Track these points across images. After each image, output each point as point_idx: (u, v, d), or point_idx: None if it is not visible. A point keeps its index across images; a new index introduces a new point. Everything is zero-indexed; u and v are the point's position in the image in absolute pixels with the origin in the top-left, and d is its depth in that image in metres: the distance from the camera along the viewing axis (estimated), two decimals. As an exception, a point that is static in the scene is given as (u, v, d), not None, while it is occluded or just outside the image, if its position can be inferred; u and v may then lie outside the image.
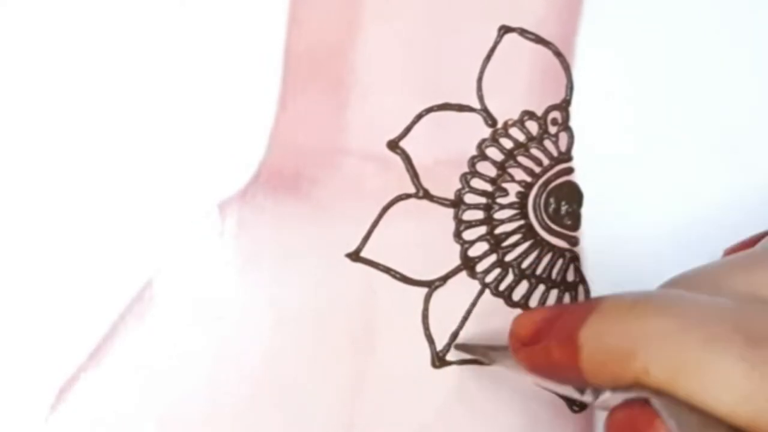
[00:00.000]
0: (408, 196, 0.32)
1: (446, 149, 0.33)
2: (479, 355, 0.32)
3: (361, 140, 0.32)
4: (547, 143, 0.33)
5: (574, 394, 0.27)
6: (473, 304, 0.32)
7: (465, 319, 0.32)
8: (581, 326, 0.25)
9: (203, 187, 0.31)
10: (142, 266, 0.30)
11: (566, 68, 0.34)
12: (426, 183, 0.32)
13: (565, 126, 0.34)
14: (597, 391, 0.26)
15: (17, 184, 0.30)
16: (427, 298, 0.32)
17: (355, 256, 0.32)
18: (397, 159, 0.32)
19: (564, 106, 0.34)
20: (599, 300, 0.26)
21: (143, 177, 0.30)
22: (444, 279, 0.32)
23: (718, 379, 0.23)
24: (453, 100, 0.33)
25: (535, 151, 0.33)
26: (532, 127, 0.33)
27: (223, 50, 0.31)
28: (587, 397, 0.27)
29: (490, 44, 0.33)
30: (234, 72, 0.31)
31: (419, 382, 0.32)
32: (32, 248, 0.29)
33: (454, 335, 0.32)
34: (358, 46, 0.32)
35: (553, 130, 0.34)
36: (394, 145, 0.32)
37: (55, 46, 0.30)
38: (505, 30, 0.33)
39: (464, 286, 0.32)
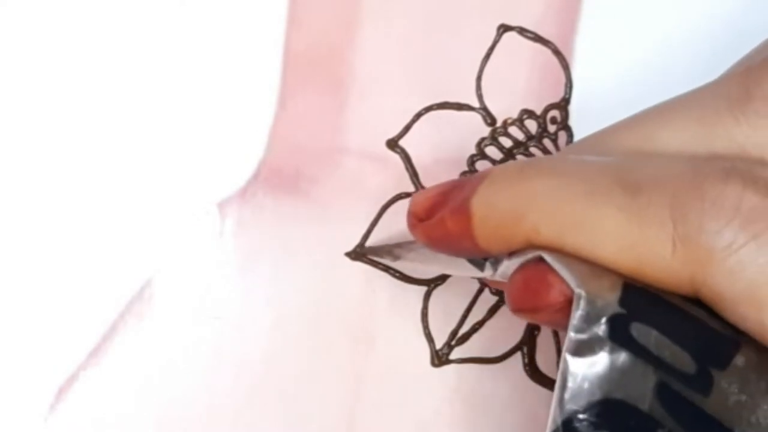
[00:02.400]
0: (407, 194, 0.32)
1: (445, 148, 0.33)
2: (385, 254, 0.31)
3: (361, 139, 0.32)
4: (547, 142, 0.33)
5: (476, 273, 0.27)
6: (472, 303, 0.32)
7: (464, 317, 0.32)
8: (473, 195, 0.26)
9: (203, 186, 0.31)
10: (141, 266, 0.30)
11: (565, 67, 0.34)
12: (425, 182, 0.33)
13: (564, 125, 0.34)
14: (495, 263, 0.26)
15: (17, 184, 0.30)
16: (427, 297, 0.32)
17: (354, 254, 0.32)
18: (396, 158, 0.32)
19: (563, 105, 0.34)
20: (489, 169, 0.26)
21: (143, 176, 0.31)
22: (443, 278, 0.32)
23: (600, 231, 0.23)
24: (452, 99, 0.33)
25: (534, 150, 0.33)
26: (532, 125, 0.33)
27: (223, 50, 0.31)
28: (487, 272, 0.27)
29: (490, 43, 0.33)
30: (233, 71, 0.31)
31: (419, 380, 0.32)
32: (32, 248, 0.30)
33: (454, 334, 0.32)
34: (358, 45, 0.32)
35: (552, 128, 0.34)
36: (393, 144, 0.32)
37: (55, 46, 0.30)
38: (504, 29, 0.33)
39: (463, 285, 0.32)
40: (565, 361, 0.23)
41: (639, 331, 0.23)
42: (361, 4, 0.32)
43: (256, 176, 0.31)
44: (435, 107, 0.33)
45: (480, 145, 0.33)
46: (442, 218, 0.27)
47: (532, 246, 0.25)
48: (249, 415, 0.31)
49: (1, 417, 0.29)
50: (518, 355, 0.32)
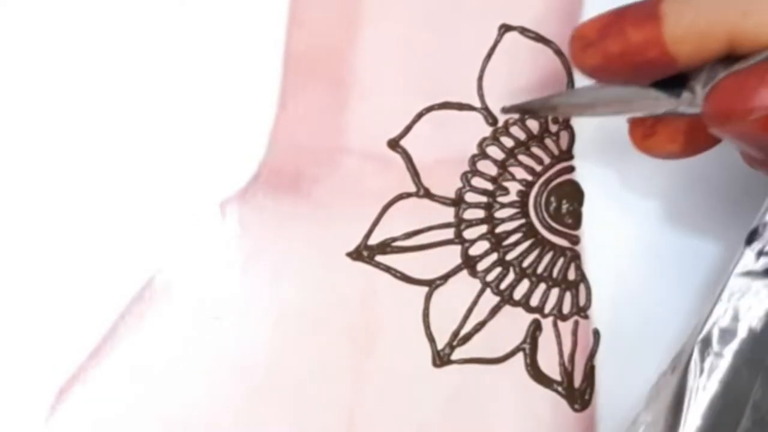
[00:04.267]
0: (409, 195, 0.32)
1: (447, 148, 0.33)
2: (537, 107, 0.30)
3: (362, 139, 0.32)
4: (548, 142, 0.33)
5: (664, 104, 0.26)
6: (474, 303, 0.32)
7: (466, 317, 0.32)
8: (663, 1, 0.25)
9: (204, 186, 0.31)
10: (142, 266, 0.30)
11: (567, 67, 0.34)
12: (426, 182, 0.32)
13: (566, 124, 0.34)
14: (693, 86, 0.25)
15: (18, 185, 0.30)
16: (428, 297, 0.32)
17: (355, 255, 0.32)
18: (397, 158, 0.32)
19: (565, 104, 0.34)
20: None
21: (144, 177, 0.31)
22: (445, 278, 0.32)
23: None
24: (453, 99, 0.33)
25: (536, 150, 0.33)
26: (533, 125, 0.33)
27: (224, 50, 0.31)
28: (685, 99, 0.25)
29: (491, 43, 0.33)
30: (234, 72, 0.31)
31: (420, 380, 0.32)
32: (33, 249, 0.29)
33: (455, 334, 0.32)
34: (358, 46, 0.32)
35: (554, 128, 0.34)
36: (394, 144, 0.32)
37: (55, 46, 0.30)
38: (505, 29, 0.33)
39: (465, 285, 0.32)
40: None
41: None
42: (361, 5, 0.32)
43: (256, 177, 0.31)
44: (436, 107, 0.33)
45: (481, 144, 0.33)
46: (621, 30, 0.25)
47: (734, 42, 0.23)
48: (250, 415, 0.30)
49: (2, 417, 0.29)
50: (520, 356, 0.32)
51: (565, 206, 0.33)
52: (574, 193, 0.33)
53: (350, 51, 0.32)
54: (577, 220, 0.33)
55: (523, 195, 0.33)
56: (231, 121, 0.31)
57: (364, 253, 0.32)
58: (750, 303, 0.23)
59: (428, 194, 0.32)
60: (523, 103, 0.31)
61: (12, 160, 0.30)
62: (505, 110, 0.31)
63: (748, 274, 0.23)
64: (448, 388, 0.32)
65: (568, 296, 0.33)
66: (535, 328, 0.33)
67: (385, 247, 0.32)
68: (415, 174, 0.32)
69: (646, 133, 0.28)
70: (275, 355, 0.31)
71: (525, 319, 0.33)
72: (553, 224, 0.33)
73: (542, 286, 0.33)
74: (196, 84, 0.31)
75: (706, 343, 0.22)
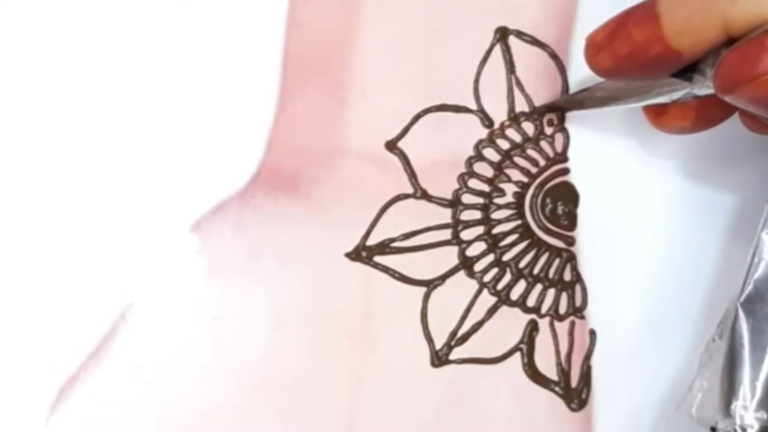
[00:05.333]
0: (406, 196, 0.33)
1: (444, 150, 0.33)
2: (564, 104, 0.32)
3: (360, 141, 0.32)
4: (544, 144, 0.34)
5: (682, 89, 0.28)
6: (471, 304, 0.33)
7: (463, 318, 0.32)
8: (657, 1, 0.27)
9: (203, 187, 0.31)
10: (142, 266, 0.30)
11: (562, 70, 0.34)
12: (424, 183, 0.33)
13: (560, 127, 0.34)
14: (703, 69, 0.27)
15: (17, 181, 0.30)
16: (426, 298, 0.32)
17: (354, 255, 0.32)
18: (395, 159, 0.32)
19: (560, 107, 0.34)
20: None
21: (144, 177, 0.30)
22: (442, 278, 0.32)
23: None
24: (450, 102, 0.33)
25: (531, 152, 0.34)
26: (529, 128, 0.34)
27: (223, 51, 0.31)
28: (697, 81, 0.27)
29: (487, 46, 0.33)
30: (233, 72, 0.31)
31: (418, 380, 0.32)
32: (33, 247, 0.29)
33: (453, 334, 0.32)
34: (357, 47, 0.32)
35: (549, 131, 0.34)
36: (392, 146, 0.33)
37: (54, 46, 0.30)
38: (501, 32, 0.33)
39: (462, 286, 0.33)
40: None
41: None
42: (361, 6, 0.32)
43: (255, 177, 0.31)
44: (433, 109, 0.33)
45: (477, 146, 0.33)
46: (627, 33, 0.27)
47: (729, 28, 0.25)
48: (249, 415, 0.30)
49: (3, 417, 0.29)
50: (517, 356, 0.33)
51: (560, 208, 0.34)
52: (569, 195, 0.34)
53: (349, 52, 0.32)
54: (572, 222, 0.34)
55: (519, 196, 0.33)
56: (230, 121, 0.31)
57: (362, 253, 0.32)
58: None
59: (425, 195, 0.33)
60: (550, 102, 0.33)
61: (12, 159, 0.30)
62: (535, 111, 0.33)
63: None
64: (446, 387, 0.32)
65: (564, 297, 0.33)
66: (532, 329, 0.33)
67: (384, 247, 0.32)
68: (412, 175, 0.33)
69: (658, 112, 0.31)
70: (275, 355, 0.31)
71: (522, 319, 0.33)
72: (549, 225, 0.33)
73: (539, 287, 0.33)
74: (195, 85, 0.31)
75: (751, 301, 0.23)
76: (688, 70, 0.28)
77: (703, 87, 0.28)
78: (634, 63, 0.28)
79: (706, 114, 0.30)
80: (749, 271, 0.23)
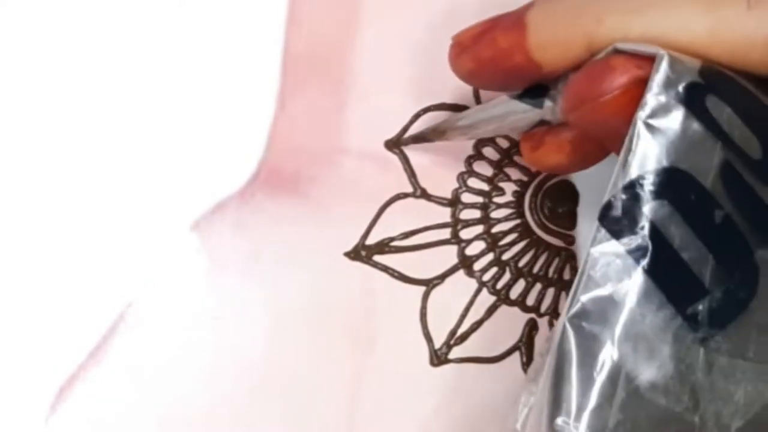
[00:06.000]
0: (406, 195, 0.33)
1: (443, 149, 0.33)
2: (429, 134, 0.32)
3: (360, 140, 0.32)
4: (543, 143, 0.34)
5: (533, 114, 0.28)
6: (471, 303, 0.33)
7: (463, 317, 0.32)
8: (529, 9, 0.27)
9: (202, 186, 0.31)
10: (142, 265, 0.30)
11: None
12: (423, 182, 0.33)
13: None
14: (554, 95, 0.27)
15: (17, 180, 0.30)
16: (425, 297, 0.32)
17: (353, 254, 0.32)
18: (395, 158, 0.32)
19: (560, 106, 0.34)
20: None
21: (143, 176, 0.30)
22: (442, 277, 0.33)
23: (679, 16, 0.24)
24: (449, 100, 0.33)
25: (531, 151, 0.34)
26: (528, 126, 0.34)
27: (222, 50, 0.31)
28: (547, 107, 0.27)
29: (487, 45, 0.33)
30: (233, 71, 0.31)
31: (418, 380, 0.32)
32: (33, 247, 0.29)
33: (452, 333, 0.32)
34: (357, 46, 0.32)
35: (548, 129, 0.34)
36: (392, 145, 0.33)
37: (54, 46, 0.30)
38: (501, 30, 0.33)
39: (462, 285, 0.33)
40: (635, 126, 0.23)
41: (713, 104, 0.23)
42: (361, 5, 0.32)
43: (255, 177, 0.31)
44: (433, 108, 0.33)
45: (477, 145, 0.33)
46: (492, 37, 0.27)
47: (592, 47, 0.25)
48: (249, 415, 0.31)
49: (3, 417, 0.29)
50: (516, 355, 0.33)
51: (560, 207, 0.34)
52: (569, 194, 0.34)
53: (349, 51, 0.32)
54: (572, 221, 0.34)
55: (519, 195, 0.33)
56: (229, 120, 0.31)
57: (362, 252, 0.32)
58: (612, 274, 0.23)
59: (425, 195, 0.33)
60: (418, 132, 0.32)
61: (12, 157, 0.30)
62: (403, 142, 0.32)
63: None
64: (445, 386, 0.32)
65: (563, 296, 0.33)
66: (531, 328, 0.33)
67: (383, 246, 0.32)
68: (412, 174, 0.33)
69: (534, 146, 0.30)
70: (274, 355, 0.31)
71: (521, 318, 0.33)
72: (549, 224, 0.34)
73: (538, 286, 0.33)
74: (195, 84, 0.31)
75: (578, 317, 0.23)
76: (539, 95, 0.28)
77: (555, 114, 0.28)
78: (496, 69, 0.27)
79: (582, 149, 0.29)
80: (577, 288, 0.23)
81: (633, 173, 0.23)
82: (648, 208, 0.23)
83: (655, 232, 0.23)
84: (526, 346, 0.33)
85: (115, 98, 0.30)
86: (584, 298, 0.23)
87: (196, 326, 0.30)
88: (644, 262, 0.23)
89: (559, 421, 0.23)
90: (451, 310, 0.32)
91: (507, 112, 0.29)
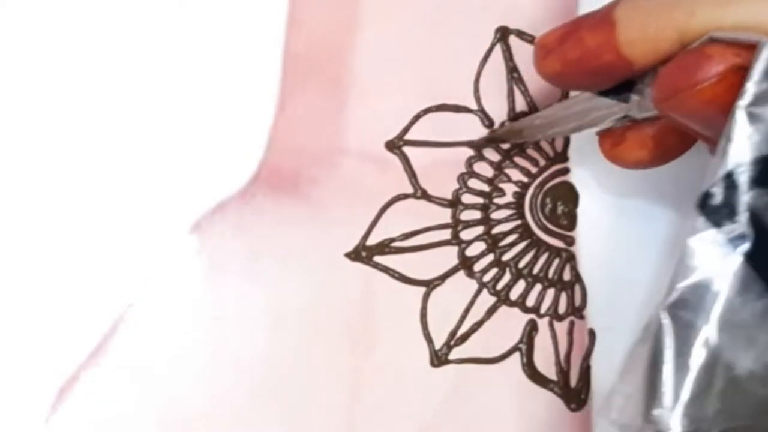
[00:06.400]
0: (406, 196, 0.33)
1: (444, 150, 0.33)
2: (504, 135, 0.32)
3: (360, 140, 0.32)
4: (544, 144, 0.34)
5: (618, 110, 0.27)
6: (471, 303, 0.33)
7: (463, 317, 0.32)
8: (616, 7, 0.26)
9: (203, 186, 0.31)
10: (142, 265, 0.30)
11: (562, 70, 0.34)
12: (424, 183, 0.33)
13: (560, 127, 0.34)
14: (642, 88, 0.26)
15: (18, 181, 0.30)
16: (426, 297, 0.32)
17: (354, 255, 0.32)
18: (395, 159, 0.33)
19: (560, 107, 0.34)
20: None
21: (144, 176, 0.30)
22: (442, 278, 0.33)
23: None
24: (450, 101, 0.33)
25: (531, 152, 0.34)
26: (529, 127, 0.34)
27: (223, 50, 0.31)
28: (633, 102, 0.27)
29: (487, 46, 0.33)
30: (233, 72, 0.31)
31: (418, 380, 0.32)
32: (33, 248, 0.29)
33: (452, 334, 0.32)
34: (357, 46, 0.32)
35: (549, 131, 0.34)
36: (392, 146, 0.33)
37: (55, 46, 0.30)
38: (502, 32, 0.33)
39: (462, 285, 0.33)
40: (734, 114, 0.22)
41: None
42: (360, 6, 0.32)
43: (255, 177, 0.31)
44: (433, 109, 0.33)
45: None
46: (579, 37, 0.27)
47: (684, 41, 0.24)
48: (249, 415, 0.31)
49: (3, 417, 0.29)
50: (516, 355, 0.33)
51: (560, 208, 0.34)
52: (569, 195, 0.34)
53: (349, 52, 0.32)
54: (572, 222, 0.34)
55: (519, 196, 0.33)
56: (230, 121, 0.31)
57: (362, 253, 0.32)
58: (710, 262, 0.23)
59: (425, 195, 0.33)
60: (491, 133, 0.32)
61: (13, 157, 0.30)
62: (476, 144, 0.33)
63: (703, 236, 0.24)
64: (445, 387, 0.32)
65: (563, 297, 0.33)
66: (532, 328, 0.33)
67: (384, 247, 0.32)
68: (412, 175, 0.33)
69: (615, 142, 0.30)
70: (274, 355, 0.31)
71: (521, 319, 0.33)
72: (549, 225, 0.34)
73: (538, 287, 0.33)
74: (195, 84, 0.31)
75: (675, 307, 0.23)
76: (624, 90, 0.27)
77: (642, 109, 0.27)
78: (583, 69, 0.27)
79: (665, 143, 0.29)
80: (674, 277, 0.23)
81: (732, 162, 0.23)
82: (748, 196, 0.23)
83: (756, 220, 0.22)
84: (526, 346, 0.33)
85: (115, 99, 0.30)
86: (681, 286, 0.23)
87: (195, 326, 0.30)
88: (744, 250, 0.23)
89: (656, 411, 0.23)
90: (452, 311, 0.32)
91: (589, 109, 0.29)
